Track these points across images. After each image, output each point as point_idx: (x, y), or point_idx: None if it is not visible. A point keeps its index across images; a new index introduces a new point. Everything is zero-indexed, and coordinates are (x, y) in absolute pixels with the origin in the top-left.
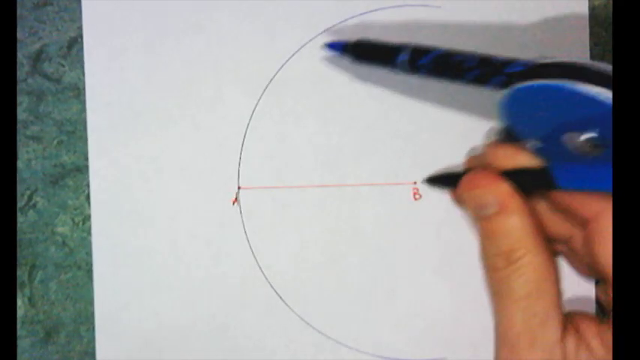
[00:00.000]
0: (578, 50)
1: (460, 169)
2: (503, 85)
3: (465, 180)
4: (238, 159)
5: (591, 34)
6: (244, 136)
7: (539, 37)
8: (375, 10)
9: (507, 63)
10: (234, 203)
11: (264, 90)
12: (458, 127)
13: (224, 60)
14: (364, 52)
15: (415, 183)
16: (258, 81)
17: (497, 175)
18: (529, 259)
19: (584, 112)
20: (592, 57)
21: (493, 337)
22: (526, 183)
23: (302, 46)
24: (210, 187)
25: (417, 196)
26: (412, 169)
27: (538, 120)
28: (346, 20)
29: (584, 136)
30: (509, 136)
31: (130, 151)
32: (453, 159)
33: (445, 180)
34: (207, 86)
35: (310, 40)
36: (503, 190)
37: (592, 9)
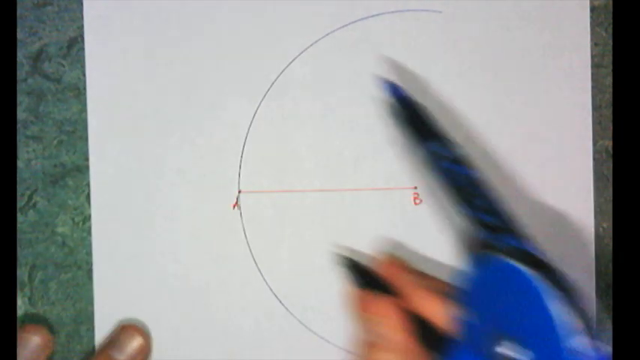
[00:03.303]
0: (578, 50)
1: (372, 261)
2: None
3: (368, 299)
4: (239, 162)
5: (591, 34)
6: (245, 140)
7: (539, 39)
8: (377, 15)
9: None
10: (234, 207)
11: (265, 94)
12: (457, 132)
13: (225, 63)
14: (410, 116)
15: (415, 188)
16: (259, 85)
17: (402, 312)
18: None
19: (533, 319)
20: (592, 57)
21: None
22: (425, 339)
23: (303, 51)
24: (211, 190)
25: (418, 201)
26: (412, 173)
27: (489, 304)
28: (347, 25)
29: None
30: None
31: (130, 152)
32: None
33: (354, 269)
34: (208, 89)
35: (311, 45)
36: (399, 331)
37: (592, 9)
